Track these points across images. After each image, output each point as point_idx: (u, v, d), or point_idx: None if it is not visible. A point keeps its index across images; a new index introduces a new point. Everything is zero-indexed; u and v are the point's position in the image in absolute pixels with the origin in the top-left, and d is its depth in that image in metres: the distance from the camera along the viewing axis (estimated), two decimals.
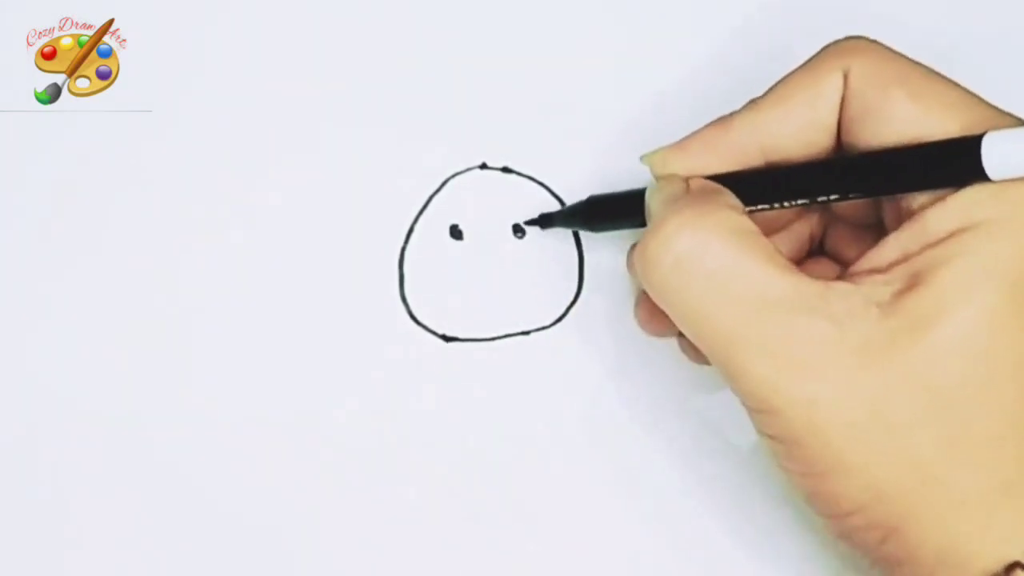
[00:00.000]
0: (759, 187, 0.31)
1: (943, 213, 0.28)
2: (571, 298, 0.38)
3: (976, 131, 0.27)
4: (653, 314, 0.34)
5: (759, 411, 0.29)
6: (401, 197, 0.38)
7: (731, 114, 0.32)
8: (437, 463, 0.36)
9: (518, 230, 0.38)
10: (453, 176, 0.38)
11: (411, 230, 0.38)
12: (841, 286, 0.28)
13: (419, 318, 0.37)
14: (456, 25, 0.40)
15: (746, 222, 0.29)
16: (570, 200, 0.38)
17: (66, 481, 0.36)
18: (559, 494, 0.36)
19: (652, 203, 0.31)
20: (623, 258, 0.36)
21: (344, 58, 0.39)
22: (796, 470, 0.29)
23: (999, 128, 0.27)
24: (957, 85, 0.29)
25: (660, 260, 0.29)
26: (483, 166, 0.38)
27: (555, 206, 0.38)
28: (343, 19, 0.39)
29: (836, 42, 0.31)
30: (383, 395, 0.37)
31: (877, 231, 0.32)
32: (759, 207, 0.31)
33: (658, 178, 0.32)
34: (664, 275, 0.29)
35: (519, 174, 0.38)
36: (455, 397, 0.37)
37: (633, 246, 0.35)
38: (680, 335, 0.34)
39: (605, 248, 0.38)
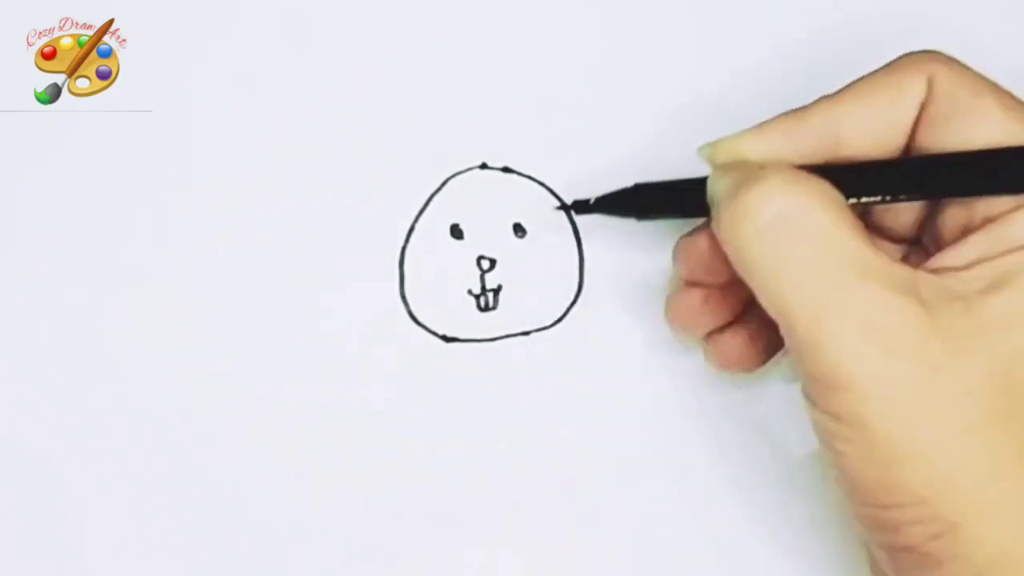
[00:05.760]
0: (844, 181, 0.30)
1: None
2: (571, 298, 0.38)
3: None
4: (690, 309, 0.34)
5: (832, 387, 0.27)
6: (401, 197, 0.38)
7: (805, 106, 0.31)
8: (437, 463, 0.36)
9: (518, 230, 0.38)
10: (453, 176, 0.38)
11: (411, 230, 0.38)
12: (927, 276, 0.28)
13: (419, 318, 0.37)
14: (456, 25, 0.40)
15: (841, 197, 0.29)
16: (570, 200, 0.38)
17: (71, 480, 0.36)
18: (559, 494, 0.36)
19: (718, 188, 0.30)
20: (623, 258, 0.36)
21: (344, 58, 0.39)
22: (855, 455, 0.28)
23: None
24: None
25: (759, 215, 0.28)
26: (483, 166, 0.38)
27: (555, 206, 0.38)
28: (344, 19, 0.39)
29: (915, 52, 0.31)
30: (383, 395, 0.37)
31: (915, 245, 0.32)
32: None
33: (723, 166, 0.31)
34: (760, 232, 0.28)
35: (519, 174, 0.38)
36: (455, 397, 0.37)
37: (683, 236, 0.34)
38: (708, 339, 0.34)
39: (605, 248, 0.38)
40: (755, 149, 0.31)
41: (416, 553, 0.36)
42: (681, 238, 0.34)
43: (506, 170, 0.38)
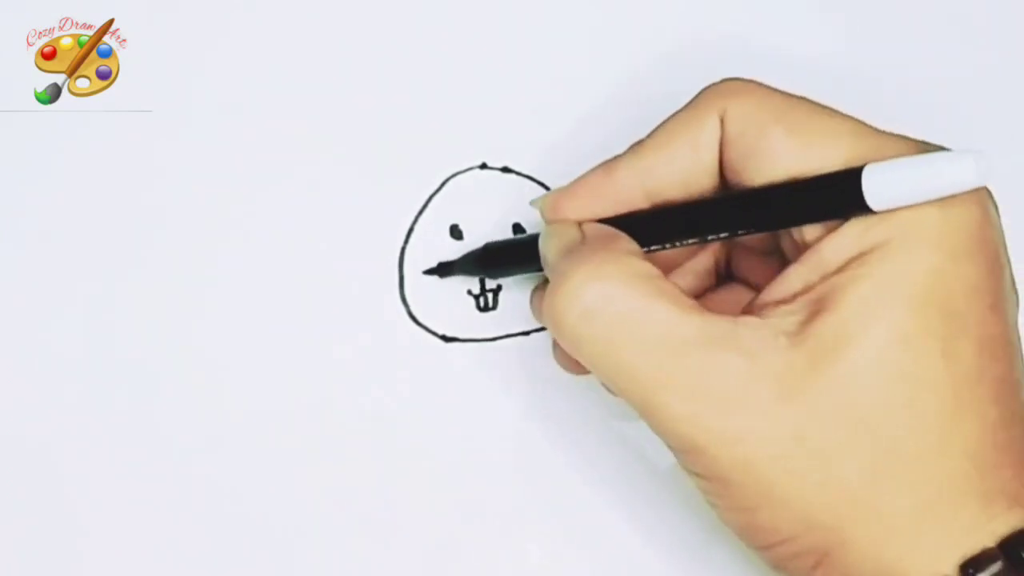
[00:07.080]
0: (651, 229, 0.31)
1: (837, 243, 0.28)
2: None
3: (860, 161, 0.27)
4: (570, 358, 0.34)
5: (683, 451, 0.29)
6: (401, 197, 0.38)
7: (615, 158, 0.32)
8: (437, 463, 0.36)
9: (518, 230, 0.38)
10: (453, 176, 0.38)
11: (411, 230, 0.38)
12: (749, 320, 0.28)
13: (419, 318, 0.37)
14: (456, 25, 0.40)
15: (647, 267, 0.29)
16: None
17: (72, 481, 0.36)
18: (559, 494, 0.36)
19: (548, 251, 0.31)
20: None
21: (344, 58, 0.39)
22: (725, 505, 0.29)
23: (879, 160, 0.27)
24: (840, 115, 0.29)
25: (568, 314, 0.29)
26: (483, 166, 0.38)
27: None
28: (343, 19, 0.40)
29: (712, 85, 0.31)
30: (383, 395, 0.37)
31: (780, 255, 0.32)
32: (653, 248, 0.31)
33: (549, 223, 0.33)
34: (573, 329, 0.29)
35: (519, 174, 0.38)
36: (455, 397, 0.37)
37: (534, 290, 0.36)
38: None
39: None
40: (570, 209, 0.32)
41: (416, 553, 0.36)
42: (533, 291, 0.35)
43: (506, 170, 0.38)
